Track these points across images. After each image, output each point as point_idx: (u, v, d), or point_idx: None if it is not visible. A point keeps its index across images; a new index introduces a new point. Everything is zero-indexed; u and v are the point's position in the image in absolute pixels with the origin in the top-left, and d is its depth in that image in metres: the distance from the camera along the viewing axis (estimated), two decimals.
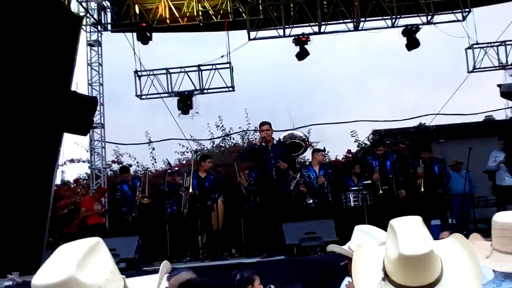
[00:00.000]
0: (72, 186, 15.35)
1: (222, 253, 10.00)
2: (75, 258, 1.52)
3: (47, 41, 9.37)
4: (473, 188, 10.82)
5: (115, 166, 15.25)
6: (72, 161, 15.00)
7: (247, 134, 16.39)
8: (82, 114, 10.09)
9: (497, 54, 12.73)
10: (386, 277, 1.76)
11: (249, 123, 16.22)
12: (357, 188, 9.99)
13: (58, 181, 13.56)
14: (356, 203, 9.81)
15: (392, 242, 1.76)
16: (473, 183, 10.79)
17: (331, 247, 3.11)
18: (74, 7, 11.47)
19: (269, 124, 8.41)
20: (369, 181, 9.82)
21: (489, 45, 12.75)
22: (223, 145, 16.82)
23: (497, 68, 12.79)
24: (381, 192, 9.54)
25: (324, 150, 10.09)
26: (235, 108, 17.57)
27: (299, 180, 9.99)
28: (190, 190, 9.27)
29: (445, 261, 1.78)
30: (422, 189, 9.68)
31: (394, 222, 1.83)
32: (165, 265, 1.88)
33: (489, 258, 2.29)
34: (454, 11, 12.31)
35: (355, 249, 2.06)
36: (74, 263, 1.50)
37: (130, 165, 11.67)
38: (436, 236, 3.23)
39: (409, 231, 1.76)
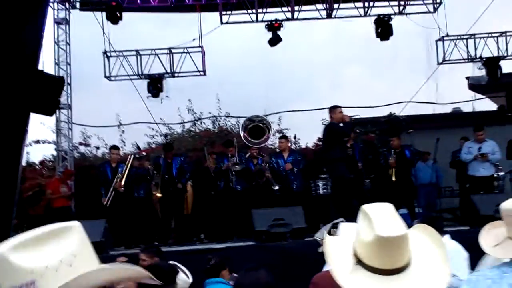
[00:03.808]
0: (38, 167, 15.01)
1: (191, 238, 9.95)
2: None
3: (12, 18, 9.08)
4: (439, 178, 11.00)
5: (82, 148, 14.98)
6: (37, 142, 14.61)
7: (217, 119, 16.29)
8: (49, 94, 9.82)
9: (466, 47, 12.84)
10: (358, 261, 1.77)
11: (220, 108, 16.12)
12: (326, 176, 10.02)
13: (23, 162, 13.22)
14: (325, 191, 9.85)
15: (366, 226, 1.77)
16: (439, 173, 10.98)
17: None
18: None
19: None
20: None
21: (459, 37, 12.87)
22: (193, 129, 16.67)
23: (466, 60, 12.94)
24: None
25: (294, 137, 10.10)
26: (206, 92, 17.38)
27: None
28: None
29: (413, 248, 1.81)
30: (394, 179, 9.68)
31: (366, 207, 1.85)
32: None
33: (498, 246, 2.28)
34: (425, 2, 12.40)
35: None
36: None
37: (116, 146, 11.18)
38: None
39: (384, 215, 1.79)
